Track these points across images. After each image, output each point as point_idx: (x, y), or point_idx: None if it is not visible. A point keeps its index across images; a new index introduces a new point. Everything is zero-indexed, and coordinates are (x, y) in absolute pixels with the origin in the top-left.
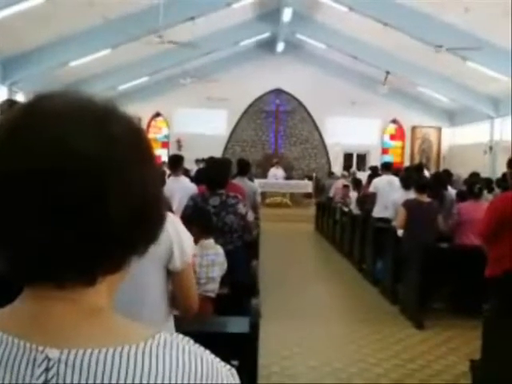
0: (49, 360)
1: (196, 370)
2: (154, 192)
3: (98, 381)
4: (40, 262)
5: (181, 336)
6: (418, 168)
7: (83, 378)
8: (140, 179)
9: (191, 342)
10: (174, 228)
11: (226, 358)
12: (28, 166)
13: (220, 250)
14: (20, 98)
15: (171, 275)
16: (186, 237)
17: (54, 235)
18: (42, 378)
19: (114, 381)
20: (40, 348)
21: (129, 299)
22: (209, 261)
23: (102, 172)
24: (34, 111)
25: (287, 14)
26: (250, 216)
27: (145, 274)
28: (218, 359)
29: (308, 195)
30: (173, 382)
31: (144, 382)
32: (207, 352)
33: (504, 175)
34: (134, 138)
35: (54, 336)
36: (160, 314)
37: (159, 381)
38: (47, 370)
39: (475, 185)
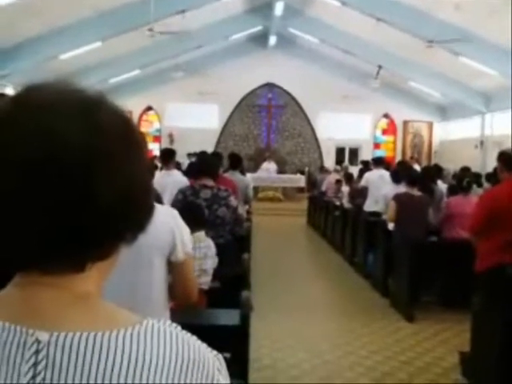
0: (39, 342)
1: (183, 355)
2: (142, 181)
3: (87, 363)
4: (29, 250)
5: (168, 322)
6: (403, 164)
7: (72, 360)
8: (128, 168)
9: (178, 328)
10: (174, 220)
11: (217, 351)
12: (17, 156)
13: (211, 242)
14: (10, 91)
15: (172, 267)
16: (185, 228)
17: (43, 223)
18: (32, 360)
19: (102, 364)
20: (30, 331)
21: (128, 290)
22: (201, 253)
23: (90, 161)
24: (22, 103)
25: (279, 8)
26: (241, 209)
27: (149, 267)
28: (204, 345)
29: (300, 189)
30: (159, 366)
31: (131, 366)
32: (194, 338)
33: (495, 169)
34: (122, 127)
35: (43, 320)
36: (160, 306)
37: (146, 365)
38: (37, 352)
39: (464, 179)
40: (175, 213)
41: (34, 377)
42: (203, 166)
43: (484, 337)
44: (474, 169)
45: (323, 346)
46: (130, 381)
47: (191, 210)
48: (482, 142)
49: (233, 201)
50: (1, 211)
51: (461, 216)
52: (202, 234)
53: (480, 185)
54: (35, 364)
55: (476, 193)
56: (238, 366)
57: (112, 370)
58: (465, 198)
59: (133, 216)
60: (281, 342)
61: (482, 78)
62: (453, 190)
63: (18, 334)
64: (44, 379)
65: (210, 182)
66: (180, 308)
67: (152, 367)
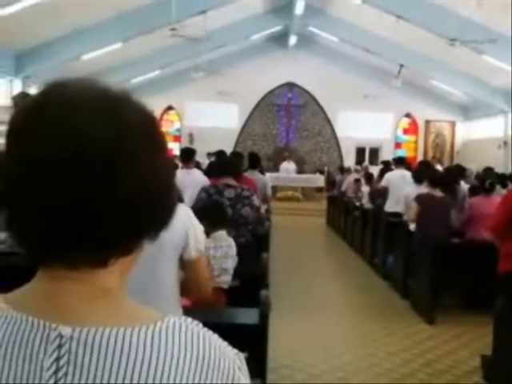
0: (61, 337)
1: (204, 353)
2: (166, 179)
3: (109, 359)
4: (54, 245)
5: (189, 319)
6: (427, 164)
7: (94, 355)
8: (152, 166)
9: (200, 325)
10: (188, 217)
11: (236, 349)
12: (41, 153)
13: (232, 242)
14: (34, 90)
15: (185, 264)
16: (199, 226)
17: (69, 219)
18: (55, 355)
19: (123, 360)
20: (53, 325)
21: (143, 287)
22: (222, 253)
23: (116, 158)
24: (46, 100)
25: (300, 7)
26: (262, 209)
27: (160, 263)
28: (225, 343)
29: (320, 189)
30: (180, 363)
31: (153, 362)
32: (215, 336)
33: None
34: (147, 126)
35: (66, 314)
36: (172, 303)
37: (168, 362)
38: (60, 346)
39: (487, 180)
40: (189, 210)
41: (56, 371)
42: (227, 165)
43: (506, 340)
44: (498, 169)
45: (342, 347)
46: (151, 377)
47: (214, 209)
48: (505, 142)
49: (256, 200)
50: (25, 205)
51: (484, 217)
52: (223, 233)
53: (505, 185)
54: (58, 358)
55: (499, 193)
56: (256, 365)
57: (134, 366)
58: (488, 199)
59: (156, 213)
60: (299, 342)
61: (506, 77)
62: (474, 191)
63: (42, 328)
64: (66, 374)
65: (232, 182)
66: (199, 306)
67: (173, 364)
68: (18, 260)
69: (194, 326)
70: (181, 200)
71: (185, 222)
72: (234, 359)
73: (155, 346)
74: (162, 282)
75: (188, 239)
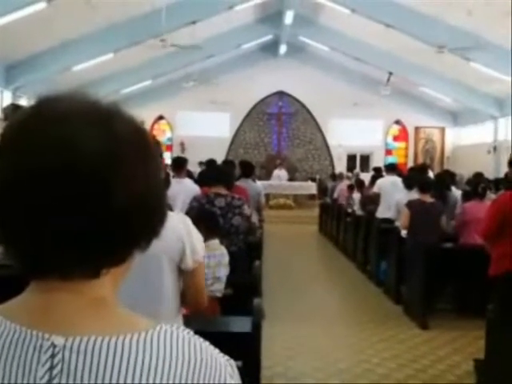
0: (54, 347)
1: (196, 360)
2: (157, 189)
3: (101, 368)
4: (46, 256)
5: (182, 327)
6: (422, 169)
7: (87, 364)
8: (143, 177)
9: (191, 333)
10: (186, 227)
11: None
12: (35, 166)
13: (224, 250)
14: (24, 102)
15: (183, 274)
16: (197, 236)
17: (61, 230)
18: (48, 364)
19: (116, 368)
20: (46, 335)
21: (145, 298)
22: (215, 261)
23: (107, 170)
24: (40, 113)
25: (289, 17)
26: (254, 217)
27: (160, 274)
28: (217, 350)
29: (312, 197)
30: (173, 371)
31: (145, 370)
32: (207, 343)
33: (506, 175)
34: (137, 137)
35: (59, 324)
36: (171, 311)
37: (160, 369)
38: (53, 356)
39: (479, 185)
40: (187, 220)
41: (49, 381)
42: (219, 174)
43: (499, 344)
44: (487, 174)
45: (336, 354)
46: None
47: (206, 218)
48: (494, 148)
49: (246, 209)
50: (16, 217)
51: (477, 222)
52: (216, 242)
53: (498, 190)
54: (51, 368)
55: (490, 198)
56: (250, 374)
57: (126, 374)
58: (480, 204)
59: (147, 222)
60: (293, 350)
61: (494, 83)
62: (467, 196)
63: (34, 338)
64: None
65: (223, 191)
66: (192, 314)
67: (165, 370)
68: (7, 272)
69: (186, 334)
70: (170, 210)
71: (180, 230)
72: (225, 365)
73: (147, 353)
74: (157, 291)
75: (184, 250)
